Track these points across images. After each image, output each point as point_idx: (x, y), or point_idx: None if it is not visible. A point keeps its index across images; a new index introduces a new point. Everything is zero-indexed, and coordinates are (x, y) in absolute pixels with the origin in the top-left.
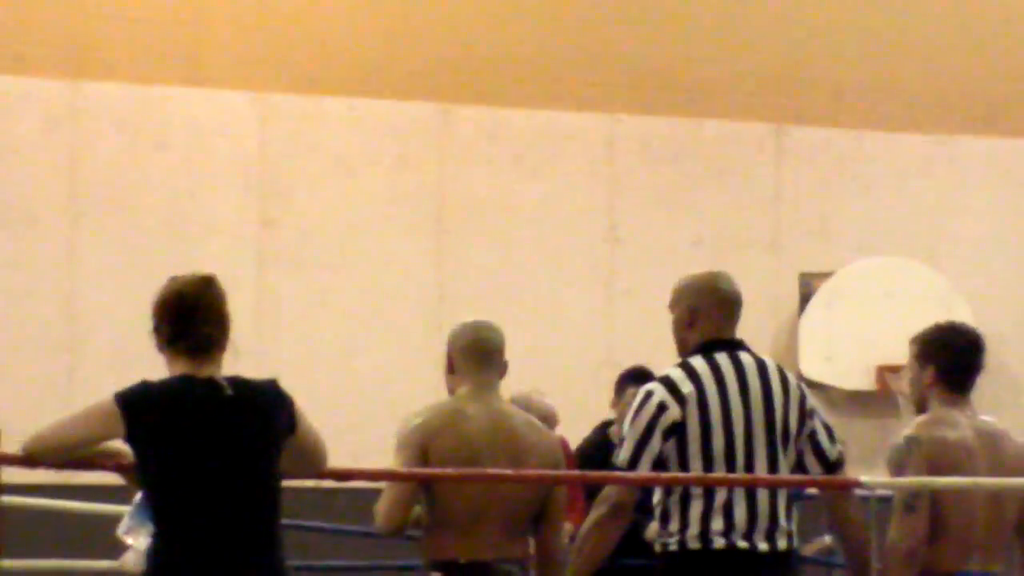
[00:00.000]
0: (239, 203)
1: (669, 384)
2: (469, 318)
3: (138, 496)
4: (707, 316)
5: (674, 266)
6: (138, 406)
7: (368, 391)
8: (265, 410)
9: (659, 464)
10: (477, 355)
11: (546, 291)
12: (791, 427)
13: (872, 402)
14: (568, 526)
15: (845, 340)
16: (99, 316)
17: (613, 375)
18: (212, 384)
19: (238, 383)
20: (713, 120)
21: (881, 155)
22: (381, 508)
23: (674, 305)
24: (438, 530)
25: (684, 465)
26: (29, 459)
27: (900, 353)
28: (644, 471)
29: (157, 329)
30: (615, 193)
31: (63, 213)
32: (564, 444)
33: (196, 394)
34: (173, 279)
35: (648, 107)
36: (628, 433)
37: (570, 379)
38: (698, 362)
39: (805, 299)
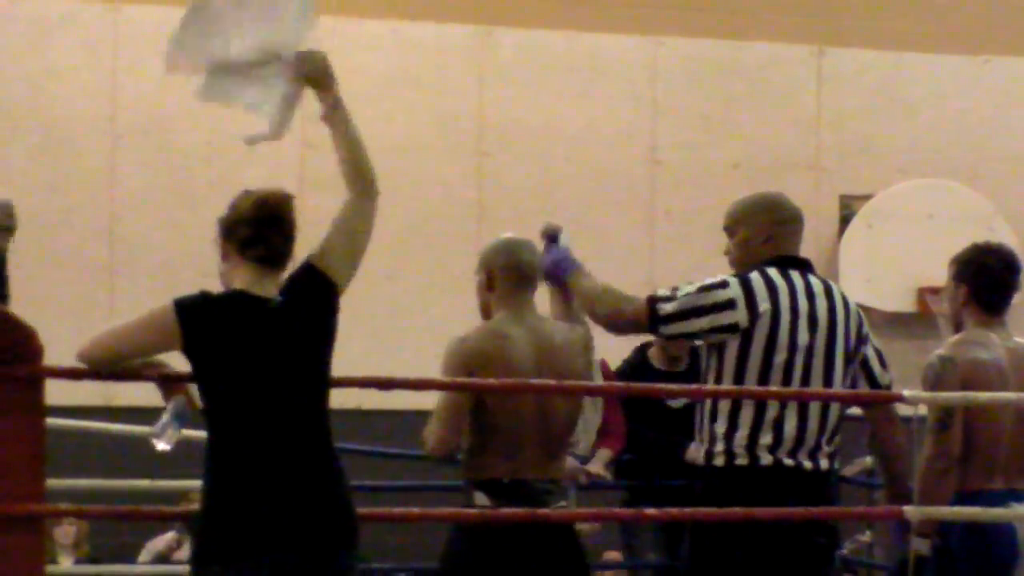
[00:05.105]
0: None
1: (748, 289)
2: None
3: (171, 403)
4: (782, 232)
5: (714, 188)
6: (197, 315)
7: (409, 312)
8: (315, 312)
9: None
10: (518, 276)
11: (586, 213)
12: (850, 353)
13: (913, 323)
14: (607, 452)
15: (886, 262)
16: (140, 238)
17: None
18: (266, 302)
19: (288, 286)
20: (754, 42)
21: (922, 76)
22: (433, 432)
23: (739, 225)
24: (482, 451)
25: (740, 373)
26: (84, 364)
27: (941, 275)
28: (675, 328)
29: (230, 234)
30: (656, 115)
31: (104, 136)
32: (604, 366)
33: (251, 308)
34: (249, 191)
35: (690, 29)
36: (686, 297)
37: None
38: (776, 275)
39: (845, 221)
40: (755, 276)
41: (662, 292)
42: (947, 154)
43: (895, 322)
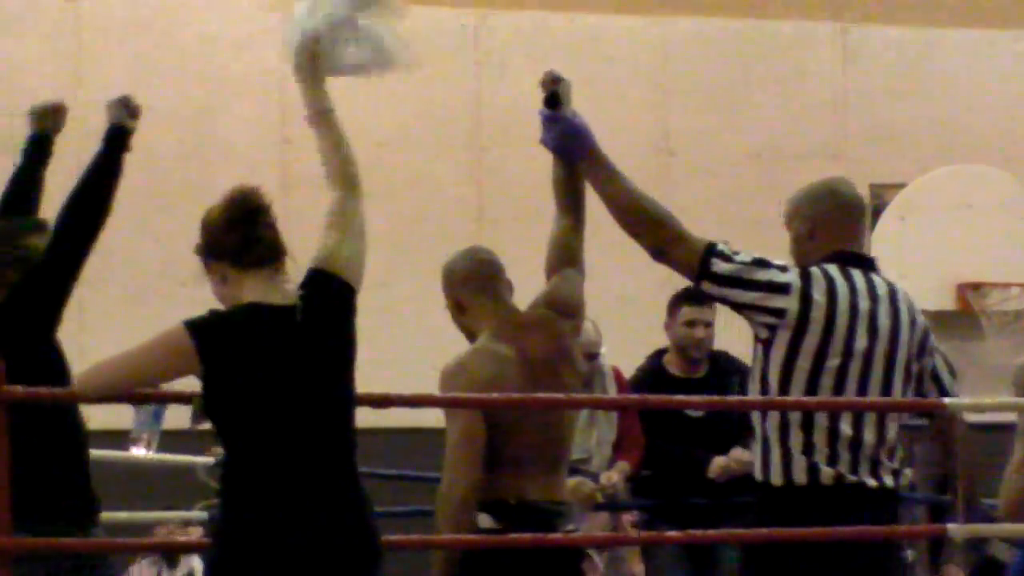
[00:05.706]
0: (259, 121)
1: (806, 280)
2: (508, 239)
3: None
4: (829, 225)
5: (731, 179)
6: (214, 335)
7: (404, 319)
8: (337, 318)
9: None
10: (480, 278)
11: (595, 209)
12: (912, 366)
13: (953, 322)
14: (625, 465)
15: (921, 256)
16: (113, 246)
17: (668, 295)
18: (284, 312)
19: (305, 296)
20: (772, 20)
21: (953, 53)
22: (457, 482)
23: (791, 220)
24: (487, 472)
25: (787, 374)
26: (83, 394)
27: (981, 269)
28: (720, 291)
29: (218, 252)
30: (667, 102)
31: (70, 137)
32: (618, 374)
33: (273, 320)
34: (213, 205)
35: (702, 7)
36: (742, 264)
37: (623, 303)
38: (835, 272)
39: (876, 212)
40: (815, 270)
41: (722, 247)
42: (982, 137)
43: (934, 321)
